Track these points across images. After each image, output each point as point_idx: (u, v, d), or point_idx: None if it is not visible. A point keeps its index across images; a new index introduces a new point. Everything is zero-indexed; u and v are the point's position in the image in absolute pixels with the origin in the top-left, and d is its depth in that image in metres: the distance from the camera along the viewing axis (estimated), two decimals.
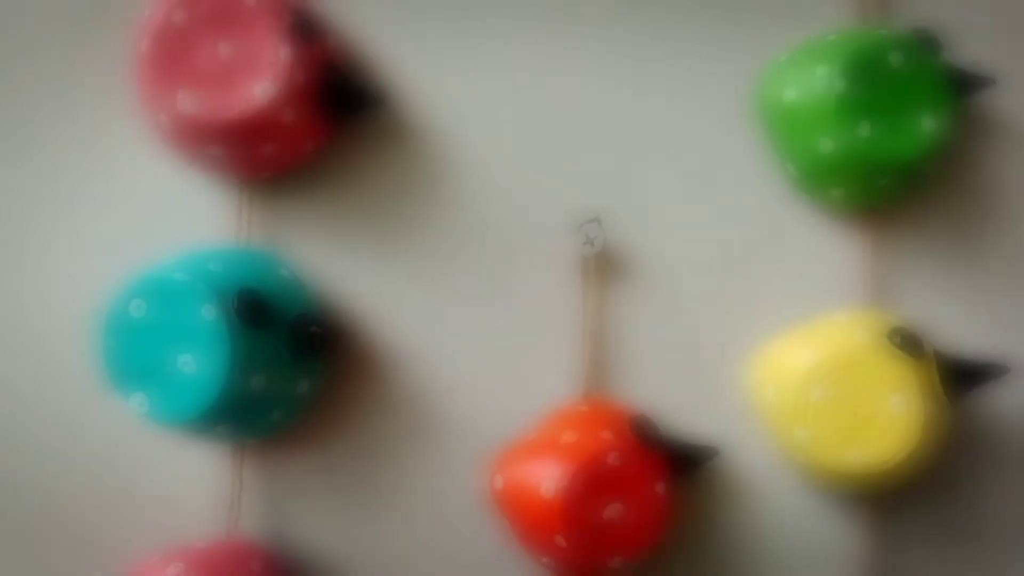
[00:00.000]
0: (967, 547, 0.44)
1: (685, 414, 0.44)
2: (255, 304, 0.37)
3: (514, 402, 0.44)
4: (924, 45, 0.42)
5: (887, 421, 0.40)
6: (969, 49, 0.43)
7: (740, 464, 0.44)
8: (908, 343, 0.40)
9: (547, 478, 0.39)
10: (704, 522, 0.44)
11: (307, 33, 0.40)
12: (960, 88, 0.42)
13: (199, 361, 0.37)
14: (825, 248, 0.45)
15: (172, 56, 0.39)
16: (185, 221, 0.44)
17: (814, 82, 0.41)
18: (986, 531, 0.44)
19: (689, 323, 0.45)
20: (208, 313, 0.37)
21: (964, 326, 0.44)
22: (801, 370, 0.41)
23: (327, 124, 0.42)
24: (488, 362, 0.44)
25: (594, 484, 0.39)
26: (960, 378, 0.41)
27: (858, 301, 0.44)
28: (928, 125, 0.41)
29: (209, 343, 0.37)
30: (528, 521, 0.40)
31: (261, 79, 0.39)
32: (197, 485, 0.43)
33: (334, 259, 0.44)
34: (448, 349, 0.44)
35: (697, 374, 0.44)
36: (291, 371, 0.40)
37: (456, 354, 0.44)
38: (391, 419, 0.44)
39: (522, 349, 0.44)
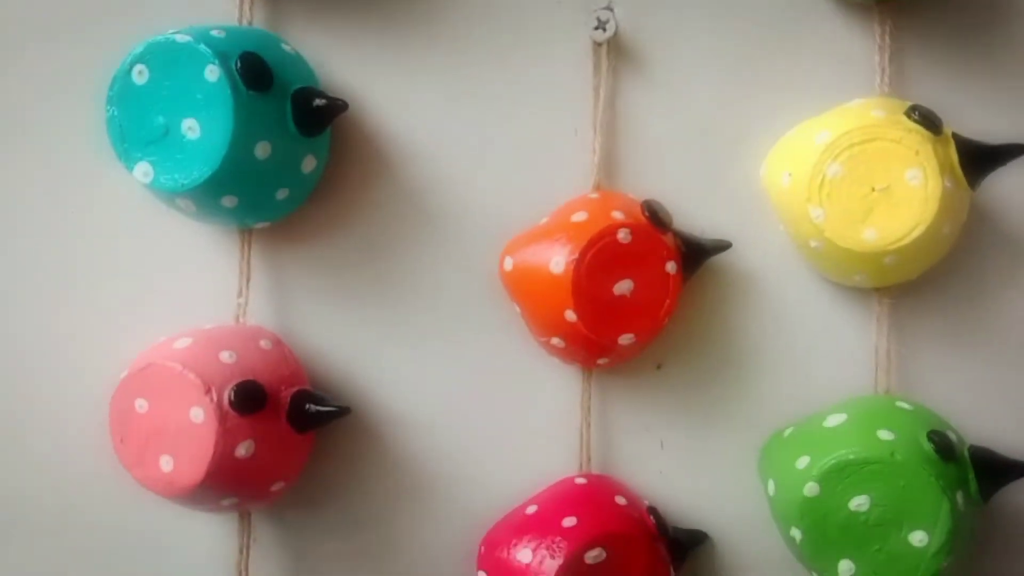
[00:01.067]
0: (980, 342, 0.44)
1: (698, 207, 0.43)
2: (259, 66, 0.37)
3: (526, 193, 0.43)
4: None
5: (903, 197, 0.39)
6: None
7: (752, 258, 0.44)
8: (926, 118, 0.39)
9: (557, 254, 0.39)
10: (713, 313, 0.44)
11: None
12: None
13: (203, 125, 0.37)
14: (842, 39, 0.43)
15: None
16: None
17: None
18: (1000, 326, 0.44)
19: (703, 115, 0.44)
20: (211, 74, 0.36)
21: (982, 115, 0.43)
22: (817, 148, 0.40)
23: None
24: (499, 153, 0.44)
25: (604, 259, 0.39)
26: (978, 160, 0.40)
27: (875, 92, 0.43)
28: None
29: (213, 106, 0.36)
30: (538, 299, 0.40)
31: None
32: (205, 272, 0.43)
33: (339, 44, 0.43)
34: (458, 140, 0.44)
35: (710, 167, 0.44)
36: (296, 145, 0.39)
37: (465, 147, 0.44)
38: (398, 208, 0.44)
39: (532, 140, 0.44)
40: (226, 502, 0.39)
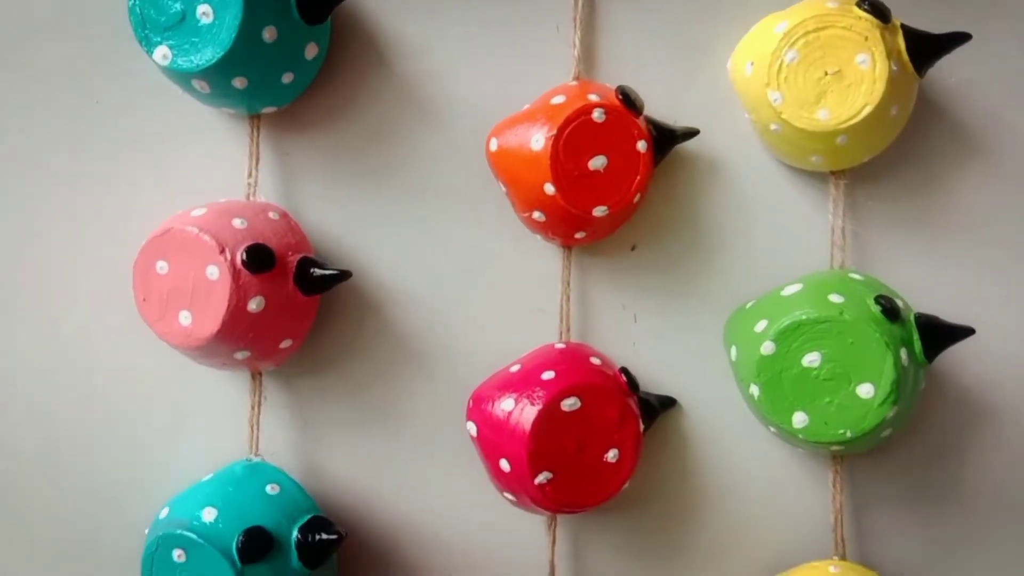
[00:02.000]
0: (928, 222, 0.48)
1: (671, 99, 0.47)
2: None
3: (511, 84, 0.47)
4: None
5: (853, 79, 0.43)
6: None
7: (719, 146, 0.47)
8: (875, 8, 0.43)
9: (537, 132, 0.43)
10: (683, 198, 0.48)
11: None
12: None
13: (216, 10, 0.41)
14: None
15: None
16: None
17: None
18: (948, 207, 0.47)
19: (677, 13, 0.47)
20: None
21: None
22: (775, 37, 0.43)
23: None
24: (486, 48, 0.48)
25: (579, 136, 0.43)
26: (924, 47, 0.44)
27: None
28: None
29: None
30: (521, 176, 0.44)
31: None
32: (217, 156, 0.48)
33: None
34: (447, 36, 0.48)
35: (683, 62, 0.47)
36: (299, 31, 0.43)
37: (454, 42, 0.48)
38: (394, 98, 0.48)
39: (517, 37, 0.47)
40: (240, 355, 0.43)
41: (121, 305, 0.45)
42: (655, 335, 0.48)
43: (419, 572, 0.48)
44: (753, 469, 0.48)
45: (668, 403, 0.48)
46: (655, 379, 0.48)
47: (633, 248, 0.48)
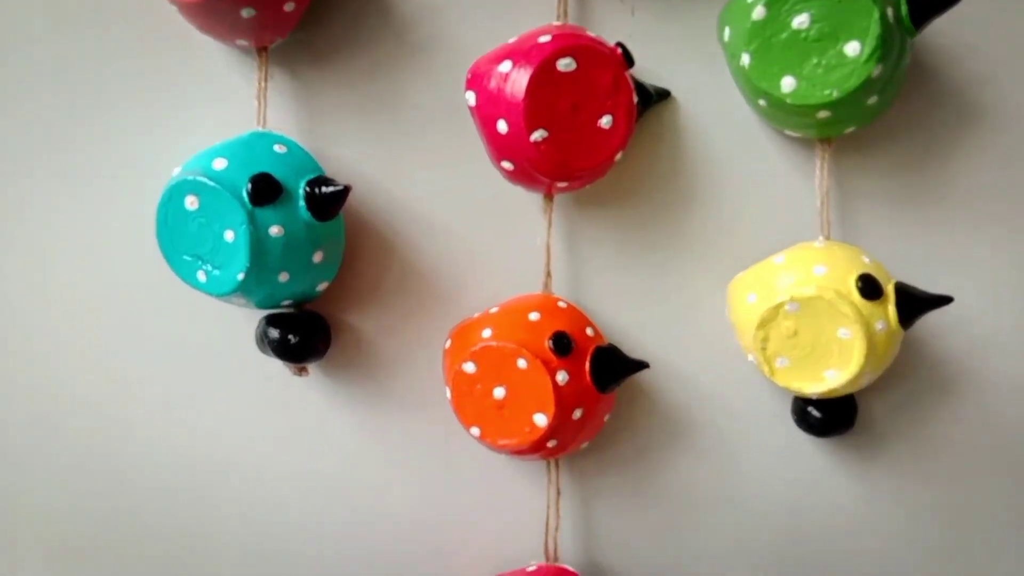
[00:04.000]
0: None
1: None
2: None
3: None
4: None
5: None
6: None
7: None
8: None
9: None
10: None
11: None
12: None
13: None
14: None
15: None
16: None
17: None
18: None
19: None
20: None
21: None
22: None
23: None
24: None
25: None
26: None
27: None
28: None
29: None
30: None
31: None
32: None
33: None
34: None
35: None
36: None
37: None
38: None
39: None
40: (245, 13, 0.44)
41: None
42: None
43: (417, 251, 0.51)
44: (743, 161, 0.50)
45: (663, 93, 0.49)
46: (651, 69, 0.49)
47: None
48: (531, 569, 0.51)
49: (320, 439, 0.53)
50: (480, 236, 0.51)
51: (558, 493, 0.51)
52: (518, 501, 0.53)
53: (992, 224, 0.50)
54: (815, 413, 0.50)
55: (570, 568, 0.51)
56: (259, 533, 0.54)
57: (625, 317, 0.51)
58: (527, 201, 0.50)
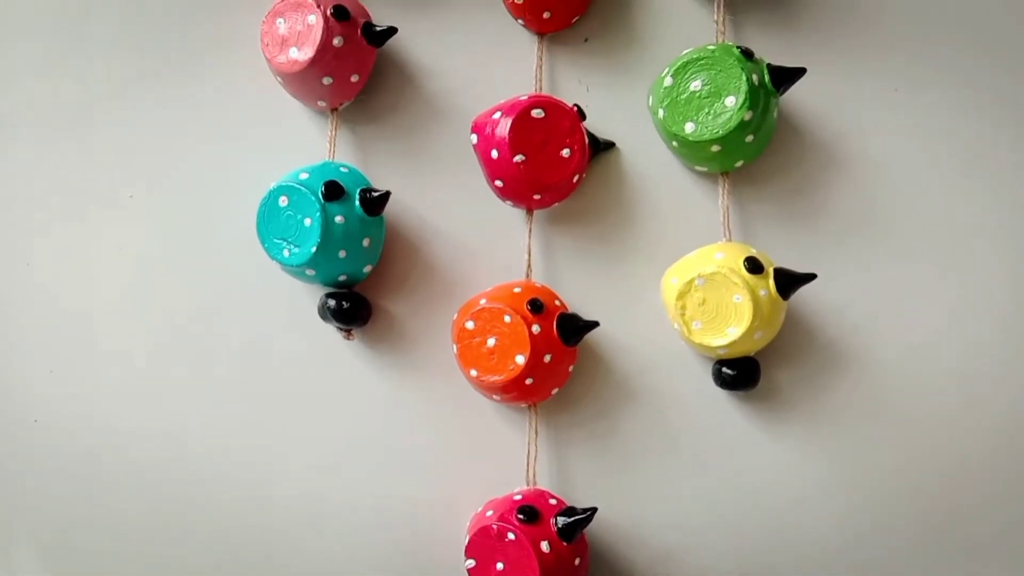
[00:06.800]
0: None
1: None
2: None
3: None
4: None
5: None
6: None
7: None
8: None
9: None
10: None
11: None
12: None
13: None
14: None
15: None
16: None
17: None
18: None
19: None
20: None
21: None
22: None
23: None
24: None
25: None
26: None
27: None
28: None
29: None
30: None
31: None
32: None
33: None
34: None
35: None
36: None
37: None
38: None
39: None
40: (326, 81, 0.67)
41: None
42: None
43: (434, 252, 0.71)
44: (667, 190, 0.70)
45: (609, 144, 0.70)
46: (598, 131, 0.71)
47: (586, 40, 0.72)
48: (516, 494, 0.67)
49: (360, 395, 0.71)
50: (480, 240, 0.71)
51: (536, 434, 0.68)
52: (506, 441, 0.70)
53: (850, 235, 0.69)
54: (728, 371, 0.67)
55: (546, 489, 0.68)
56: (316, 453, 0.72)
57: (584, 301, 0.70)
58: (514, 215, 0.71)
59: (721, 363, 0.67)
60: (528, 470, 0.68)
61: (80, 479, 0.74)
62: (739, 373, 0.67)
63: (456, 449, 0.70)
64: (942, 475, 0.67)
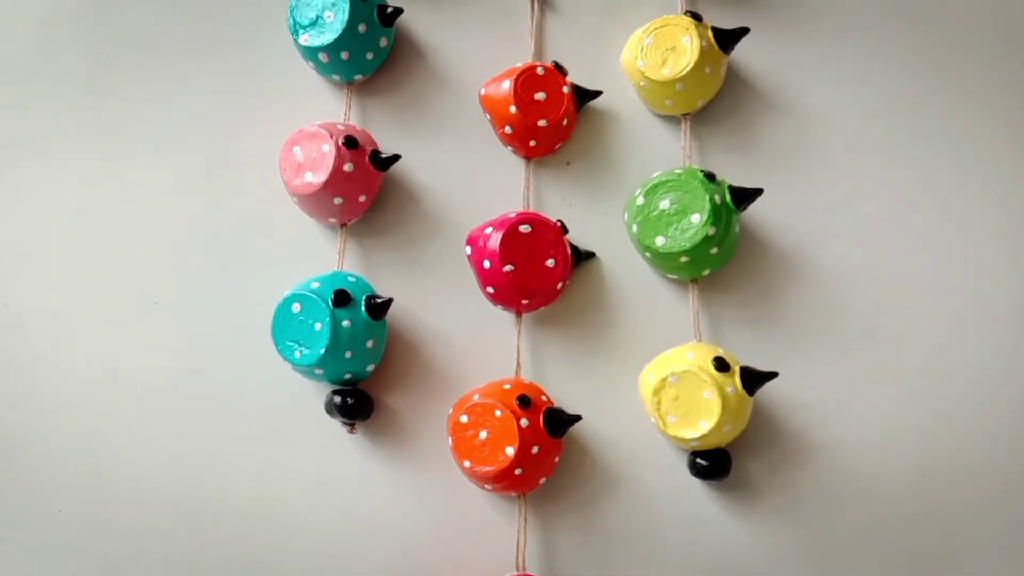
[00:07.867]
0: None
1: (591, 75, 0.81)
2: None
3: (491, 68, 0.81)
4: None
5: (682, 51, 0.76)
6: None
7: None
8: (693, 14, 0.77)
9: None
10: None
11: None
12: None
13: (335, 13, 0.76)
14: None
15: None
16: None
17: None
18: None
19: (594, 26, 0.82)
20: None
21: None
22: (639, 36, 0.78)
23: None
24: (474, 48, 0.83)
25: (528, 82, 0.76)
26: (724, 37, 0.77)
27: None
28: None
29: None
30: (496, 107, 0.77)
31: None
32: (320, 112, 0.82)
33: None
34: (461, 39, 0.83)
35: (595, 56, 0.82)
36: (378, 28, 0.78)
37: (460, 45, 0.83)
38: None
39: (494, 38, 0.83)
40: (337, 201, 0.75)
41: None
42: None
43: (432, 352, 0.78)
44: (642, 295, 0.77)
45: (590, 254, 0.78)
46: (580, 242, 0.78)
47: (568, 164, 0.80)
48: None
49: (358, 481, 0.77)
50: (473, 341, 0.78)
51: (525, 522, 0.74)
52: (497, 529, 0.75)
53: (807, 337, 0.76)
54: (702, 462, 0.73)
55: (534, 574, 0.73)
56: (318, 538, 0.77)
57: (569, 397, 0.76)
58: (504, 318, 0.78)
59: (695, 454, 0.73)
60: (518, 556, 0.73)
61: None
62: (712, 464, 0.72)
63: (450, 536, 0.76)
64: (906, 552, 0.72)
